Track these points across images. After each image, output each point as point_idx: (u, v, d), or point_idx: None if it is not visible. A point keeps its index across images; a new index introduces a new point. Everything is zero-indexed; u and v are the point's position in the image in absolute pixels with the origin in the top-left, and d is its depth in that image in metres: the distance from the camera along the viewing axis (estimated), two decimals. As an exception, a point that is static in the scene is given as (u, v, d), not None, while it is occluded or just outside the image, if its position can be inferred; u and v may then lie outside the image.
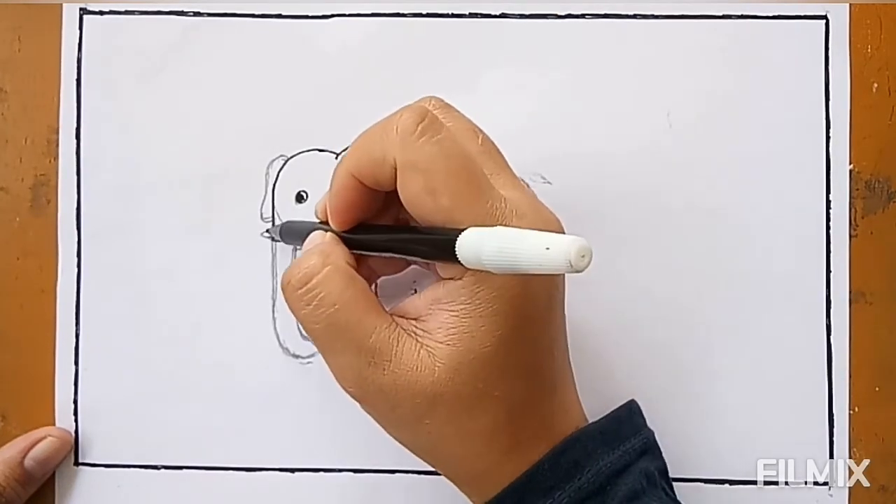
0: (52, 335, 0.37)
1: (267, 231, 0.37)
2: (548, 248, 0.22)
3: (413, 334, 0.28)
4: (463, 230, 0.25)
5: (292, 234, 0.34)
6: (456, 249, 0.25)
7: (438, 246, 0.26)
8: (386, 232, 0.30)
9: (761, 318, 0.36)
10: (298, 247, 0.33)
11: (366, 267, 0.31)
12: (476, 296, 0.27)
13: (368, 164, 0.28)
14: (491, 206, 0.27)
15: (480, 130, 0.30)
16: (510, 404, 0.28)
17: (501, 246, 0.23)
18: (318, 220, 0.32)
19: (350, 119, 0.36)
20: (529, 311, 0.28)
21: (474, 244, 0.24)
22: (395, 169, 0.27)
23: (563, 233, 0.29)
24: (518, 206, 0.27)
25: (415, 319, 0.28)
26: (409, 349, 0.27)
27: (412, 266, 0.34)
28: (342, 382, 0.29)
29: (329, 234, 0.30)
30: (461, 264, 0.25)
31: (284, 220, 0.36)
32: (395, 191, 0.28)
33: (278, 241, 0.36)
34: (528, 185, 0.36)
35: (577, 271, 0.21)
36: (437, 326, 0.27)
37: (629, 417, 0.32)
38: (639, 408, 0.33)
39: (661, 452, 0.32)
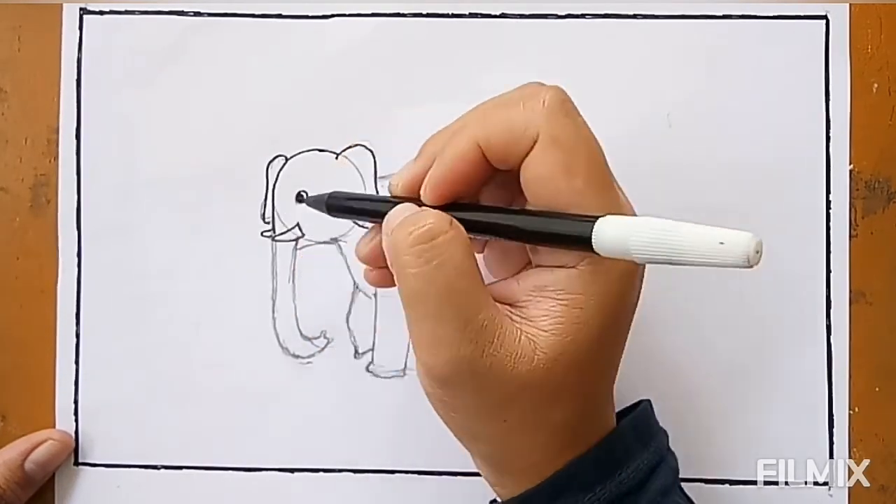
0: (52, 335, 0.37)
1: (267, 231, 0.37)
2: (722, 243, 0.21)
3: (511, 319, 0.26)
4: (598, 218, 0.24)
5: (346, 207, 0.32)
6: (593, 235, 0.24)
7: (571, 227, 0.25)
8: (494, 212, 0.28)
9: (761, 317, 0.36)
10: (359, 219, 0.31)
11: None
12: (590, 286, 0.26)
13: (503, 134, 0.26)
14: (618, 198, 0.26)
15: None
16: (587, 399, 0.28)
17: (658, 236, 0.22)
18: (386, 197, 0.30)
19: (350, 119, 0.37)
20: (626, 308, 0.28)
21: (620, 231, 0.23)
22: (535, 143, 0.26)
23: None
24: (629, 209, 0.27)
25: (509, 305, 0.27)
26: (510, 334, 0.26)
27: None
28: (430, 358, 0.26)
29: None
30: (590, 250, 0.24)
31: (331, 191, 0.33)
32: (493, 175, 0.27)
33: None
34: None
35: (750, 267, 0.21)
36: (541, 314, 0.26)
37: (652, 415, 0.32)
38: (652, 406, 0.32)
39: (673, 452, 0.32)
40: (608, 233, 0.23)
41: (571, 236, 0.25)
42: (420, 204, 0.28)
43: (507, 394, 0.26)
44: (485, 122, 0.27)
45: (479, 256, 0.29)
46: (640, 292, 0.29)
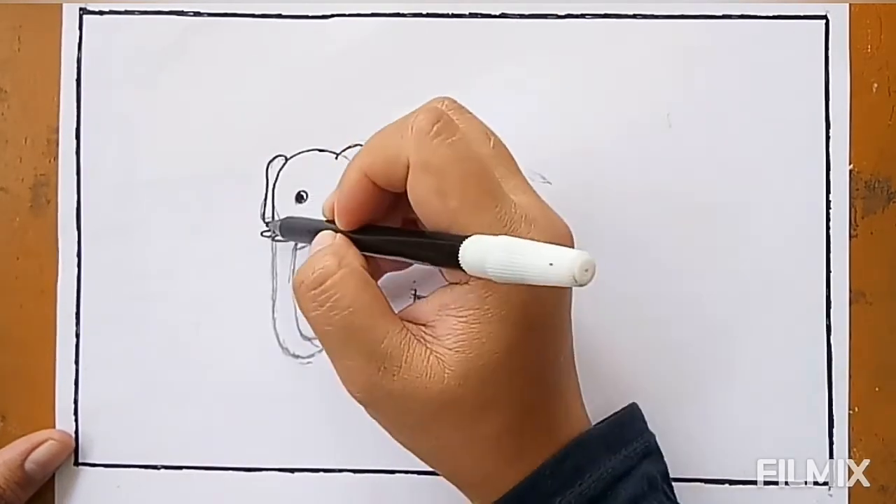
0: (52, 335, 0.37)
1: (267, 231, 0.37)
2: (551, 264, 0.22)
3: (422, 340, 0.27)
4: (467, 237, 0.25)
5: (293, 230, 0.34)
6: (459, 257, 0.25)
7: (442, 252, 0.26)
8: (392, 234, 0.30)
9: (761, 318, 0.36)
10: (302, 244, 0.34)
11: (371, 264, 0.31)
12: (485, 301, 0.26)
13: (382, 163, 0.28)
14: (500, 211, 0.26)
15: (492, 133, 0.29)
16: (516, 411, 0.28)
17: (506, 257, 0.23)
18: (322, 219, 0.32)
19: (350, 119, 0.37)
20: (538, 317, 0.27)
21: (478, 253, 0.24)
22: (408, 168, 0.27)
23: (572, 238, 0.29)
24: (528, 212, 0.27)
25: (423, 325, 0.28)
26: (419, 355, 0.27)
27: (414, 265, 0.34)
28: (350, 386, 0.28)
29: (339, 235, 0.30)
30: (462, 270, 0.25)
31: (284, 217, 0.36)
32: (404, 193, 0.28)
33: (277, 237, 0.36)
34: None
35: (581, 285, 0.22)
36: (445, 332, 0.27)
37: (631, 421, 0.32)
38: (640, 411, 0.33)
39: (662, 456, 0.32)
40: (470, 252, 0.24)
41: (443, 255, 0.26)
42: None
43: (427, 413, 0.27)
44: (368, 152, 0.29)
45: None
46: (559, 296, 0.28)
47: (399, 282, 0.36)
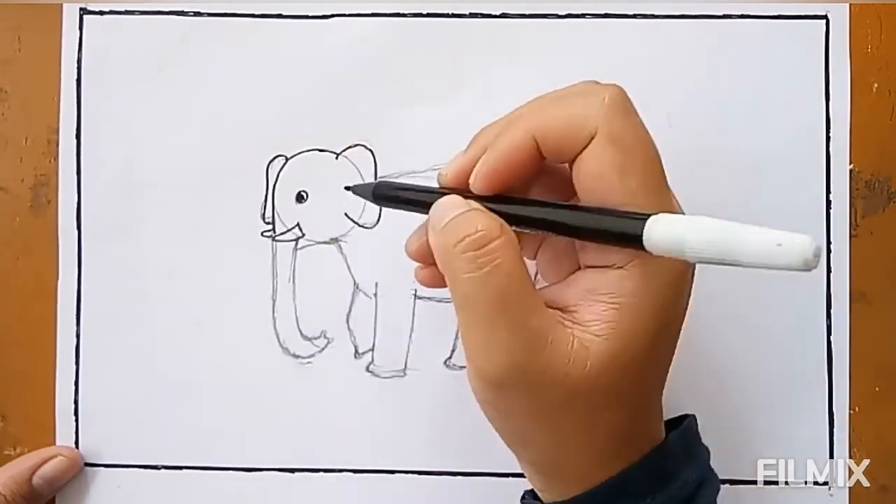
0: (53, 335, 0.37)
1: (267, 231, 0.37)
2: (780, 245, 0.21)
3: (563, 323, 0.26)
4: (650, 215, 0.24)
5: (392, 196, 0.31)
6: (645, 232, 0.23)
7: (622, 225, 0.24)
8: (543, 206, 0.27)
9: (761, 318, 0.36)
10: (407, 209, 0.30)
11: None
12: (641, 289, 0.25)
13: (561, 129, 0.26)
14: (669, 202, 0.26)
15: None
16: (639, 405, 0.27)
17: (715, 235, 0.22)
18: (434, 189, 0.30)
19: (350, 119, 0.37)
20: (678, 311, 0.27)
21: (674, 231, 0.23)
22: (592, 139, 0.25)
23: None
24: (679, 212, 0.27)
25: (561, 309, 0.26)
26: (563, 338, 0.25)
27: None
28: (484, 363, 0.26)
29: (472, 202, 0.27)
30: (640, 248, 0.24)
31: (379, 179, 0.33)
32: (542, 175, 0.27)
33: (366, 198, 0.33)
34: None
35: (808, 270, 0.21)
36: (593, 318, 0.26)
37: (697, 432, 0.31)
38: (697, 421, 0.32)
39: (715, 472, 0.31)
40: (660, 231, 0.23)
41: (622, 233, 0.24)
42: (468, 196, 0.27)
43: (560, 398, 0.26)
44: (542, 115, 0.27)
45: (530, 263, 0.28)
46: (689, 296, 0.28)
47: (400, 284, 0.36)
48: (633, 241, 0.24)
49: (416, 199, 0.29)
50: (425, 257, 0.29)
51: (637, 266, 0.25)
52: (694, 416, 0.32)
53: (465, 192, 0.28)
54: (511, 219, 0.27)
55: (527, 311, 0.25)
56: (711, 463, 0.31)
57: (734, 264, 0.22)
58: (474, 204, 0.27)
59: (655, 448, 0.28)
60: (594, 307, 0.26)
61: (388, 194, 0.31)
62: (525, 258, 0.27)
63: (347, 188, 0.34)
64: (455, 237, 0.26)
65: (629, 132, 0.26)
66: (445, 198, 0.27)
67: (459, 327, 0.27)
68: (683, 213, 0.27)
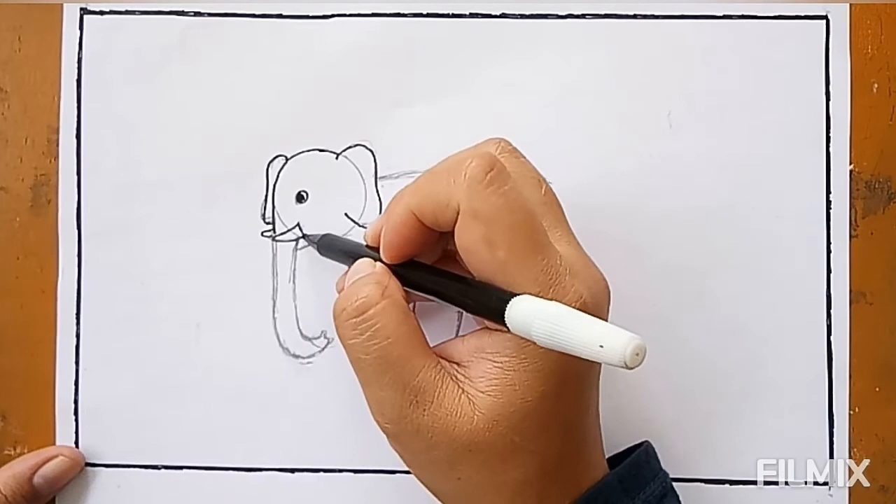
0: (53, 335, 0.37)
1: (267, 231, 0.37)
2: (601, 346, 0.22)
3: (455, 378, 0.27)
4: (514, 296, 0.25)
5: (332, 249, 0.34)
6: (505, 315, 0.25)
7: (489, 306, 0.26)
8: (436, 275, 0.29)
9: (761, 318, 0.36)
10: (340, 262, 0.33)
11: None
12: (522, 350, 0.27)
13: (431, 205, 0.28)
14: (546, 264, 0.26)
15: (543, 179, 0.30)
16: (543, 459, 0.28)
17: (553, 327, 0.23)
18: (362, 242, 0.32)
19: (350, 119, 0.37)
20: (573, 369, 0.27)
21: (526, 315, 0.24)
22: (458, 214, 0.27)
23: (609, 291, 0.29)
24: (572, 264, 0.27)
25: (457, 363, 0.28)
26: (451, 393, 0.27)
27: None
28: (379, 417, 0.28)
29: (379, 264, 0.30)
30: (505, 325, 0.25)
31: (324, 234, 0.36)
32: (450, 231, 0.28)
33: (313, 246, 0.36)
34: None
35: (629, 369, 0.22)
36: (479, 375, 0.27)
37: (646, 462, 0.32)
38: (654, 450, 0.32)
39: (677, 495, 0.32)
40: (516, 313, 0.25)
41: (491, 310, 0.26)
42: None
43: (454, 452, 0.27)
44: (417, 191, 0.29)
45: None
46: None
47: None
48: (498, 317, 0.25)
49: (345, 255, 0.33)
50: None
51: None
52: (648, 443, 0.32)
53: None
54: (410, 284, 0.29)
55: (410, 371, 0.27)
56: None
57: (573, 354, 0.23)
58: (378, 267, 0.29)
59: (585, 493, 0.28)
60: (481, 364, 0.27)
61: (327, 245, 0.35)
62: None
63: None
64: (341, 305, 0.28)
65: (490, 205, 0.26)
66: (358, 262, 0.30)
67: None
68: (583, 266, 0.28)
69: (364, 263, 0.30)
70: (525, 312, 0.24)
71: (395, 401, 0.27)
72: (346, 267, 0.32)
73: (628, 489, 0.29)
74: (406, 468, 0.36)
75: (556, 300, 0.25)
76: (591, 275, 0.28)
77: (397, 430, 0.28)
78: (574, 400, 0.28)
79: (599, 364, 0.29)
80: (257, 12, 0.37)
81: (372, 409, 0.29)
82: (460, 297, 0.28)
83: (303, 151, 0.37)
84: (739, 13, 0.36)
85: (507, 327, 0.25)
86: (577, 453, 0.29)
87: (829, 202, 0.36)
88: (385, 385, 0.27)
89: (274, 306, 0.37)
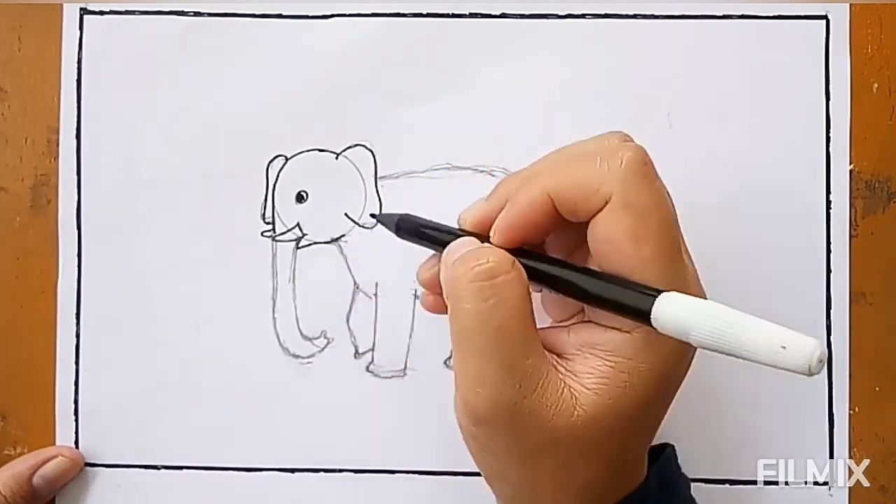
0: (52, 335, 0.37)
1: (267, 231, 0.37)
2: (784, 348, 0.21)
3: (557, 369, 0.26)
4: (660, 292, 0.24)
5: (415, 231, 0.32)
6: (653, 310, 0.23)
7: (631, 298, 0.24)
8: (560, 265, 0.27)
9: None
10: (426, 245, 0.31)
11: None
12: (642, 355, 0.25)
13: (575, 190, 0.26)
14: (682, 271, 0.26)
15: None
16: (619, 461, 0.27)
17: (721, 325, 0.22)
18: (453, 228, 0.30)
19: (350, 119, 0.37)
20: (675, 381, 0.27)
21: (681, 312, 0.23)
22: (606, 203, 0.25)
23: None
24: (692, 281, 0.27)
25: (558, 355, 0.27)
26: (554, 383, 0.25)
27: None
28: (471, 396, 0.26)
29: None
30: (647, 324, 0.24)
31: (403, 213, 0.33)
32: (563, 229, 0.27)
33: (388, 228, 0.33)
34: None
35: (810, 376, 0.21)
36: (586, 371, 0.26)
37: (676, 465, 0.31)
38: (675, 452, 0.32)
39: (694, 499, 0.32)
40: (669, 311, 0.23)
41: (631, 307, 0.24)
42: (484, 241, 0.28)
43: (542, 442, 0.26)
44: (559, 174, 0.27)
45: (535, 295, 0.28)
46: (689, 367, 0.28)
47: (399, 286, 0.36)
48: (640, 315, 0.24)
49: (436, 238, 0.30)
50: (434, 287, 0.30)
51: (641, 333, 0.25)
52: (672, 446, 0.32)
53: (481, 238, 0.28)
54: (531, 274, 0.27)
55: (523, 350, 0.25)
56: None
57: (738, 357, 0.22)
58: (489, 246, 0.27)
59: (632, 493, 0.28)
60: (590, 360, 0.26)
61: (411, 228, 0.32)
62: (532, 291, 0.27)
63: (373, 216, 0.35)
64: (465, 266, 0.26)
65: (644, 198, 0.25)
66: (462, 238, 0.28)
67: (454, 359, 0.27)
68: (697, 281, 0.27)
69: (470, 239, 0.28)
70: (682, 309, 0.23)
71: (498, 380, 0.25)
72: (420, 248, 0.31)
73: (665, 491, 0.29)
74: (406, 468, 0.36)
75: None
76: (702, 294, 0.27)
77: (490, 413, 0.26)
78: (662, 412, 0.28)
79: (688, 371, 0.28)
80: (257, 12, 0.37)
81: (465, 388, 0.26)
82: (597, 292, 0.26)
83: (303, 151, 0.37)
84: (739, 13, 0.36)
85: (650, 323, 0.24)
86: (642, 457, 0.29)
87: (828, 202, 0.36)
88: (493, 361, 0.25)
89: (274, 306, 0.37)
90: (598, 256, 0.26)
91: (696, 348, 0.27)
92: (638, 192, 0.25)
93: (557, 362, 0.26)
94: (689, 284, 0.26)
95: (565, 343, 0.27)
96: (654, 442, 0.32)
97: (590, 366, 0.26)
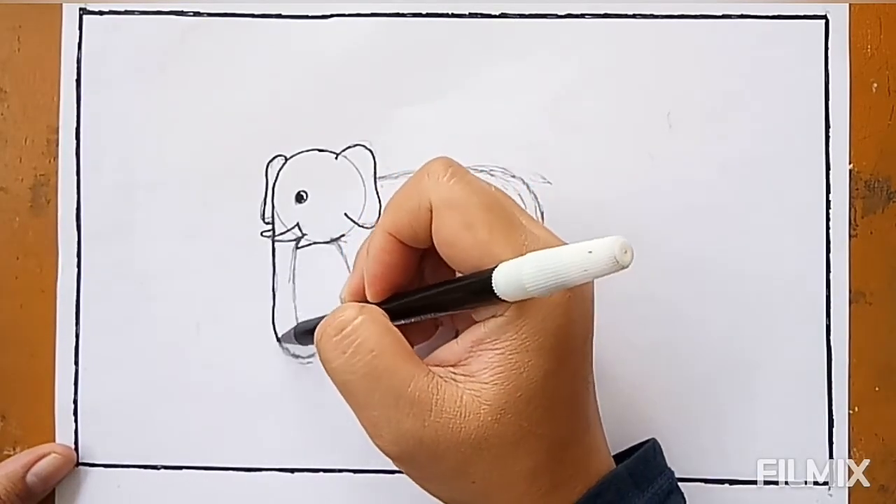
0: (52, 335, 0.37)
1: (267, 231, 0.37)
2: (590, 252, 0.22)
3: (452, 381, 0.27)
4: (495, 267, 0.25)
5: (305, 331, 0.33)
6: (493, 285, 0.24)
7: (475, 287, 0.26)
8: (417, 292, 0.29)
9: (761, 318, 0.36)
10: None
11: None
12: (522, 329, 0.26)
13: (406, 216, 0.28)
14: (525, 239, 0.27)
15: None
16: (551, 442, 0.27)
17: (541, 266, 0.23)
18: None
19: (350, 119, 0.37)
20: (571, 343, 0.27)
21: (512, 273, 0.24)
22: (431, 213, 0.27)
23: None
24: (548, 241, 0.27)
25: (452, 366, 0.27)
26: (450, 396, 0.26)
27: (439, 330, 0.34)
28: (378, 441, 0.27)
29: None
30: (500, 300, 0.25)
31: (297, 324, 0.36)
32: (424, 260, 0.28)
33: (290, 344, 0.36)
34: (528, 187, 0.36)
35: (623, 267, 0.21)
36: (481, 368, 0.26)
37: (654, 457, 0.31)
38: (660, 447, 0.32)
39: (682, 493, 0.32)
40: (504, 278, 0.24)
41: (478, 292, 0.26)
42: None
43: (463, 455, 0.26)
44: (390, 213, 0.29)
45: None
46: (586, 321, 0.28)
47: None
48: (489, 295, 0.25)
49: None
50: None
51: (513, 310, 0.26)
52: (655, 439, 0.32)
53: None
54: (399, 314, 0.29)
55: (401, 382, 0.26)
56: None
57: (570, 284, 0.23)
58: (340, 305, 0.29)
59: (597, 482, 0.28)
60: (483, 356, 0.27)
61: (304, 329, 0.34)
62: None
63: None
64: (321, 332, 0.28)
65: (459, 190, 0.27)
66: (337, 308, 0.29)
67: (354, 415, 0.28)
68: (554, 240, 0.28)
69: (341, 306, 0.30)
70: (510, 270, 0.24)
71: (390, 417, 0.26)
72: None
73: (638, 482, 0.29)
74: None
75: None
76: None
77: (400, 450, 0.27)
78: (575, 377, 0.28)
79: (592, 337, 0.29)
80: (257, 12, 0.37)
81: (370, 435, 0.28)
82: (448, 295, 0.27)
83: (302, 151, 0.37)
84: (739, 13, 0.36)
85: (500, 297, 0.25)
86: (583, 434, 0.29)
87: (828, 202, 0.36)
88: (377, 403, 0.27)
89: (273, 306, 0.37)
90: (450, 261, 0.28)
91: (581, 302, 0.28)
92: (451, 189, 0.27)
93: (454, 373, 0.27)
94: (540, 247, 0.26)
95: (457, 351, 0.28)
96: (660, 443, 0.32)
97: (483, 361, 0.27)
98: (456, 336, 0.29)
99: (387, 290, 0.29)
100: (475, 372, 0.27)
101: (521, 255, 0.25)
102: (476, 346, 0.27)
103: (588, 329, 0.29)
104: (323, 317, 0.31)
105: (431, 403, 0.26)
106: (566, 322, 0.27)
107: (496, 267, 0.25)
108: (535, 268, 0.23)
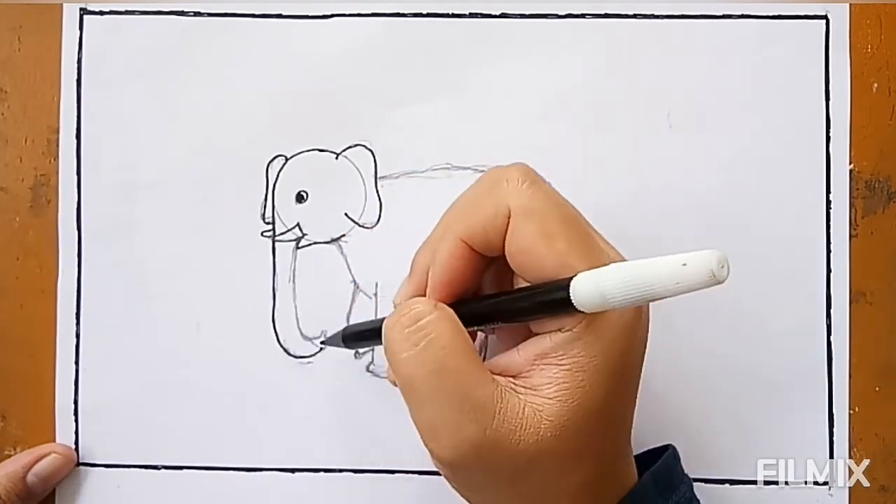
0: (52, 335, 0.37)
1: (267, 231, 0.37)
2: (685, 264, 0.21)
3: (513, 391, 0.26)
4: (573, 277, 0.24)
5: (361, 336, 0.33)
6: (571, 294, 0.24)
7: (551, 296, 0.25)
8: (487, 299, 0.28)
9: (761, 317, 0.36)
10: (372, 345, 0.33)
11: None
12: (591, 347, 0.26)
13: (480, 221, 0.27)
14: (601, 254, 0.26)
15: None
16: (601, 461, 0.27)
17: (626, 276, 0.22)
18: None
19: (350, 119, 0.37)
20: (632, 364, 0.27)
21: (593, 283, 0.23)
22: (508, 220, 0.27)
23: None
24: (616, 258, 0.27)
25: (513, 377, 0.27)
26: (512, 407, 0.25)
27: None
28: (433, 444, 0.26)
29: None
30: (576, 311, 0.24)
31: (344, 327, 0.35)
32: (486, 269, 0.28)
33: (339, 346, 0.35)
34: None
35: (719, 282, 0.21)
36: (545, 382, 0.26)
37: (674, 465, 0.31)
38: (678, 453, 0.32)
39: (699, 500, 0.31)
40: (584, 288, 0.24)
41: (553, 302, 0.25)
42: None
43: (517, 468, 0.26)
44: (463, 218, 0.28)
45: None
46: (645, 343, 0.28)
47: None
48: (565, 306, 0.24)
49: (376, 329, 0.30)
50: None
51: (583, 325, 0.26)
52: (673, 447, 0.32)
53: None
54: (465, 320, 0.28)
55: (468, 384, 0.26)
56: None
57: (657, 297, 0.22)
58: (413, 299, 0.28)
59: (627, 494, 0.28)
60: (546, 371, 0.26)
61: (353, 334, 0.34)
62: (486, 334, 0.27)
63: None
64: (392, 321, 0.27)
65: (540, 200, 0.27)
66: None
67: (410, 415, 0.27)
68: (619, 256, 0.28)
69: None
70: (591, 279, 0.23)
71: (452, 421, 0.25)
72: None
73: (662, 490, 0.29)
74: (408, 469, 0.36)
75: None
76: None
77: (455, 455, 0.26)
78: (628, 399, 0.28)
79: (644, 351, 0.28)
80: (257, 12, 0.37)
81: (424, 437, 0.27)
82: (518, 304, 0.27)
83: (302, 151, 0.37)
84: (739, 13, 0.36)
85: (576, 308, 0.24)
86: (626, 453, 0.29)
87: (828, 202, 0.36)
88: (441, 403, 0.26)
89: (273, 306, 0.37)
90: (522, 270, 0.27)
91: (644, 324, 0.28)
92: (532, 198, 0.27)
93: (515, 384, 0.26)
94: (611, 262, 0.26)
95: (518, 362, 0.27)
96: (657, 443, 0.32)
97: (546, 376, 0.26)
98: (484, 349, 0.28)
99: (452, 297, 0.28)
100: (538, 386, 0.26)
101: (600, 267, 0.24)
102: (540, 360, 0.26)
103: (644, 352, 0.28)
104: (376, 320, 0.32)
105: (495, 411, 0.25)
106: (631, 344, 0.27)
107: (574, 276, 0.24)
108: (619, 278, 0.22)
